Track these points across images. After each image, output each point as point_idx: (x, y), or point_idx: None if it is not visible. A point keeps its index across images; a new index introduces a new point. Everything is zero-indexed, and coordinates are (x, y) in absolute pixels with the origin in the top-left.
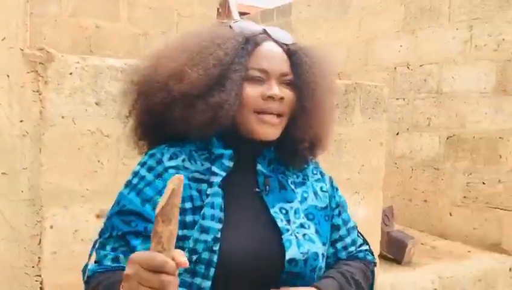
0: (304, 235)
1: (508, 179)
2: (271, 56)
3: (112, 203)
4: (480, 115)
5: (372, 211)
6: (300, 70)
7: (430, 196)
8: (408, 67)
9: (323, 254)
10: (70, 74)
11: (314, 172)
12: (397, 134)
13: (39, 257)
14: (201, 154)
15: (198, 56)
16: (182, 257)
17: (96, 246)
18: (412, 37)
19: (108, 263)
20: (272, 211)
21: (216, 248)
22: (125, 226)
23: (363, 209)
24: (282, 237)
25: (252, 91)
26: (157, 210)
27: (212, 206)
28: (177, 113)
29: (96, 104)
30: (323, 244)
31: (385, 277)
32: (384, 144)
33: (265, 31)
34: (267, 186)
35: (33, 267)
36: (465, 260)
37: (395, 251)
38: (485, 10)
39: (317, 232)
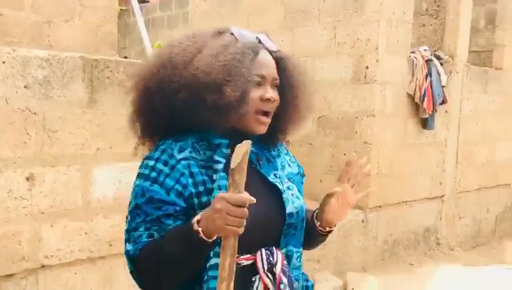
0: (293, 194)
1: (362, 150)
2: (267, 64)
3: (39, 166)
4: (341, 100)
5: None
6: (285, 75)
7: (306, 166)
8: None
9: (303, 208)
10: (4, 62)
11: (282, 148)
12: None
13: None
14: (201, 144)
15: (230, 75)
16: (250, 196)
17: (130, 231)
18: (290, 33)
19: (144, 239)
20: (269, 178)
21: None
22: (157, 211)
23: None
24: (283, 196)
25: (253, 94)
26: (234, 165)
27: (220, 188)
28: (205, 115)
29: (25, 87)
30: (303, 200)
31: None
32: None
33: (259, 40)
34: (260, 162)
35: None
36: None
37: None
38: (345, 14)
39: (298, 191)
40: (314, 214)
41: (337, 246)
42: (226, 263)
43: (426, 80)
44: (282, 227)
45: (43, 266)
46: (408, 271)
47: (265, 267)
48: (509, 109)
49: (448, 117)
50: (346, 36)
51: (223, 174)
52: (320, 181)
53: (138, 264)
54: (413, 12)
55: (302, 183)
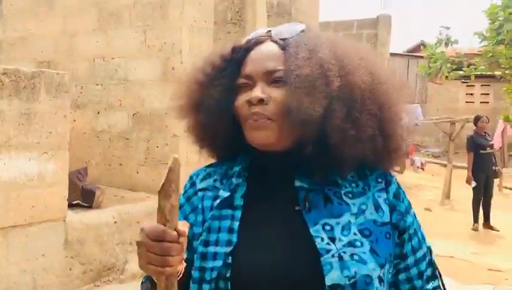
0: (353, 255)
1: (172, 142)
2: (256, 58)
3: None
4: (153, 97)
5: (60, 166)
6: (288, 64)
7: (123, 160)
8: (103, 60)
9: (380, 277)
10: None
11: (379, 180)
12: (98, 113)
13: None
14: (231, 171)
15: (185, 85)
16: (183, 226)
17: None
18: (105, 35)
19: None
20: (312, 229)
21: (228, 274)
22: None
23: (52, 165)
24: (321, 259)
25: (238, 100)
26: (159, 188)
27: (219, 231)
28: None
29: None
30: (381, 266)
31: (77, 217)
32: (68, 116)
33: (268, 33)
34: (307, 203)
35: None
36: (142, 202)
37: (88, 199)
38: (153, 20)
39: (373, 251)
40: None
41: None
42: None
43: None
44: None
45: None
46: None
47: None
48: None
49: None
50: (155, 40)
51: (222, 212)
52: (137, 172)
53: None
54: (214, 20)
55: (409, 240)
